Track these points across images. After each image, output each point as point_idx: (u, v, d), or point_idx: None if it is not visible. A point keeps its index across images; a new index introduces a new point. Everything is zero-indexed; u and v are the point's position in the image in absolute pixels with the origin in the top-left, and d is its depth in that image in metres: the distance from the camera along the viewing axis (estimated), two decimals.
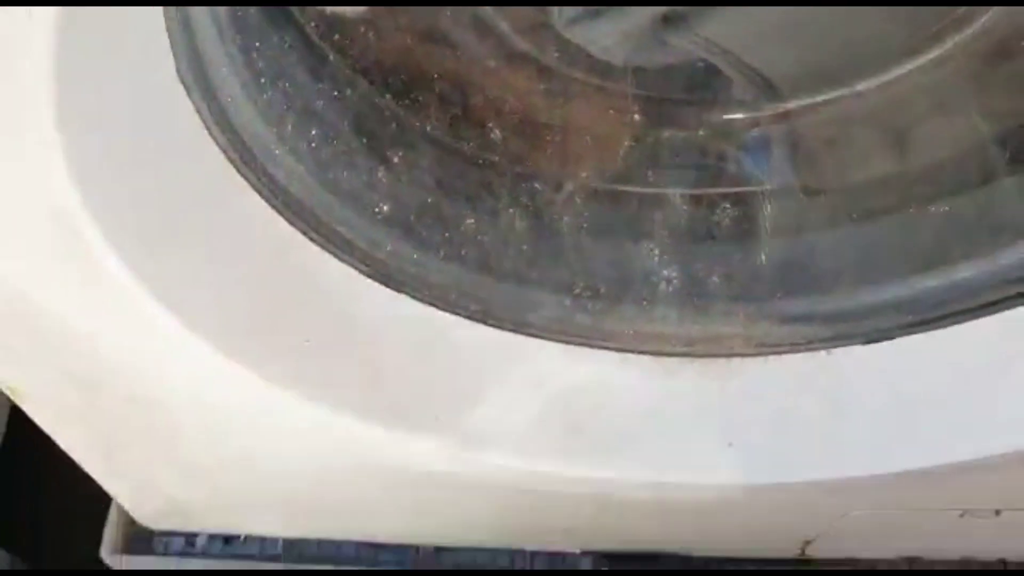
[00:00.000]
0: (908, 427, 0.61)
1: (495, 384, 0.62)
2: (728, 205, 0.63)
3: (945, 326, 0.60)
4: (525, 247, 0.61)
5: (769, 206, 0.63)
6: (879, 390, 0.61)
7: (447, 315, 0.60)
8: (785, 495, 0.65)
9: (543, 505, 0.75)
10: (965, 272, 0.59)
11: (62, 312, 0.53)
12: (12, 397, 0.69)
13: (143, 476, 0.80)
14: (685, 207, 0.63)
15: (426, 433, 0.61)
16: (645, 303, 0.63)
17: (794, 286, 0.63)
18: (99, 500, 0.93)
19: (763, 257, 0.63)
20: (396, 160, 0.56)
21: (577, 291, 0.62)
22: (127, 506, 0.88)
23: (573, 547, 0.88)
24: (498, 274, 0.61)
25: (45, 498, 1.00)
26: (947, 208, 0.60)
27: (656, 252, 0.63)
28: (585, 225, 0.62)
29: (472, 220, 0.60)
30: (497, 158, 0.60)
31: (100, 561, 0.92)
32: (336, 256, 0.55)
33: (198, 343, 0.51)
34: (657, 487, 0.64)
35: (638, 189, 0.64)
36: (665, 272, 0.63)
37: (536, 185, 0.61)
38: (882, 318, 0.61)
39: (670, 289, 0.63)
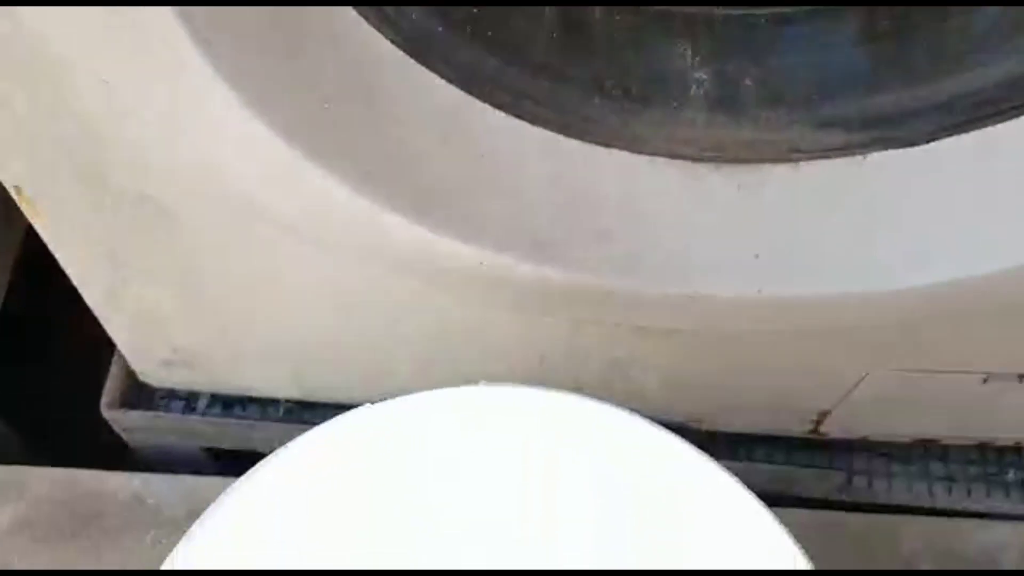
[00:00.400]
0: (945, 236, 0.59)
1: (522, 181, 0.60)
2: (764, 11, 0.62)
3: (983, 127, 0.58)
4: (555, 35, 0.59)
5: (805, 10, 0.61)
6: (917, 197, 0.60)
7: (474, 101, 0.58)
8: (811, 311, 0.63)
9: (558, 346, 0.74)
10: (1003, 70, 0.58)
11: (73, 57, 0.51)
12: (19, 202, 0.67)
13: (147, 312, 0.78)
14: (720, 10, 0.62)
15: (446, 227, 0.59)
16: (675, 105, 0.61)
17: (829, 90, 0.61)
18: (100, 360, 0.91)
19: (798, 61, 0.61)
20: None
21: (607, 88, 0.60)
22: (128, 355, 0.85)
23: None
24: (527, 63, 0.59)
25: (45, 357, 0.98)
26: (988, 10, 0.58)
27: (688, 53, 0.61)
28: (618, 17, 0.60)
29: None
30: None
31: (98, 418, 0.90)
32: (364, 18, 0.54)
33: (206, 71, 0.49)
34: (682, 301, 0.62)
35: None
36: (696, 74, 0.61)
37: None
38: (921, 121, 0.59)
39: (701, 91, 0.61)
